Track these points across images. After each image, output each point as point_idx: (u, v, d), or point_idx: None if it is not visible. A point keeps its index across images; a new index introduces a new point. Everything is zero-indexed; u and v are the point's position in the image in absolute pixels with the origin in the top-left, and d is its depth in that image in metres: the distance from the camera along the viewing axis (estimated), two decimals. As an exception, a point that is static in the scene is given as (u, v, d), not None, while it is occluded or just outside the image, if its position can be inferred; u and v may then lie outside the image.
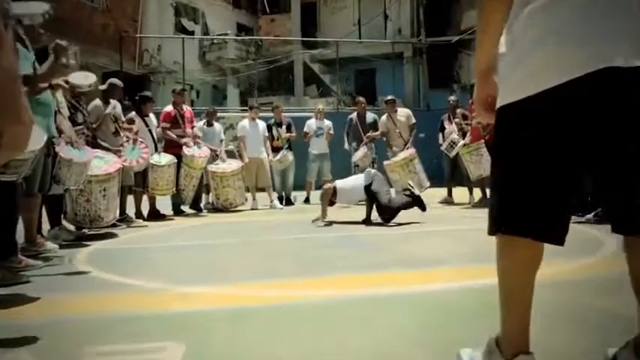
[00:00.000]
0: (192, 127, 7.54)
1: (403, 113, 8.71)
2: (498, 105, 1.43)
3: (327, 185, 6.24)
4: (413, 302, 2.51)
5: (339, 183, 6.12)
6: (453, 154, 7.96)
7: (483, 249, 2.25)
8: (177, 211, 7.36)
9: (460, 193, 8.48)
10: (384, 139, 8.85)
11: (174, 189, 6.90)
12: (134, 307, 2.52)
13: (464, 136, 8.10)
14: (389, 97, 8.93)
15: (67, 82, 4.35)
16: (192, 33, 18.01)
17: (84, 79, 4.69)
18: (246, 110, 15.27)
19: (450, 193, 8.54)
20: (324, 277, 3.12)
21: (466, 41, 16.78)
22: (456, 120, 8.28)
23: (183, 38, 15.07)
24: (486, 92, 1.54)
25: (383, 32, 18.64)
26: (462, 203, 8.01)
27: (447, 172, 8.55)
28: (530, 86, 1.31)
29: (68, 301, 2.70)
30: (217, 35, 18.31)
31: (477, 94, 1.58)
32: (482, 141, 7.28)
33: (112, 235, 5.17)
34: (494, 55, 1.46)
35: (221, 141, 8.49)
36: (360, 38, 18.23)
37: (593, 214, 5.28)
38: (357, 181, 6.04)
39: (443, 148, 8.06)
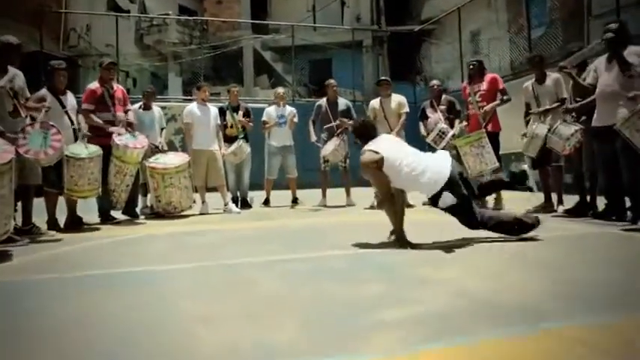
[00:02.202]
0: (126, 111, 5.93)
1: (396, 99, 7.39)
2: None
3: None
4: None
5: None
6: (441, 146, 6.74)
7: None
8: (106, 218, 5.74)
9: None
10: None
11: (101, 189, 5.28)
12: None
13: (451, 125, 6.93)
14: (382, 78, 7.61)
15: None
16: (127, 12, 15.99)
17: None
18: (190, 100, 13.68)
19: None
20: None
21: (429, 31, 15.82)
22: (442, 107, 7.09)
23: (116, 17, 13.12)
24: None
25: (339, 20, 17.42)
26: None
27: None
28: None
29: None
30: (157, 15, 16.36)
31: None
32: (484, 131, 6.11)
33: (2, 257, 3.55)
34: None
35: (162, 129, 6.90)
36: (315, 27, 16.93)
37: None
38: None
39: (429, 139, 6.84)
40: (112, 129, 5.54)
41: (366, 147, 3.77)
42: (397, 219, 3.61)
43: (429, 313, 2.00)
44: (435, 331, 1.81)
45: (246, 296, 2.34)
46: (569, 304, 2.08)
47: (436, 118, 6.96)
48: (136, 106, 6.68)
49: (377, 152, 3.64)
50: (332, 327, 1.88)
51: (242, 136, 7.42)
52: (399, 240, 3.56)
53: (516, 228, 3.67)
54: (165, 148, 6.71)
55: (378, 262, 3.06)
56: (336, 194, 7.84)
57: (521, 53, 11.36)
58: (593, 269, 2.74)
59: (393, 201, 3.67)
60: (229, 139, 7.14)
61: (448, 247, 3.51)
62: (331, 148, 7.16)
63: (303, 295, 2.33)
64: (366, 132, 3.99)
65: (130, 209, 6.08)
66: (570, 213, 5.36)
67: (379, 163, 3.60)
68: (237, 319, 2.01)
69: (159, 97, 11.24)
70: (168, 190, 6.13)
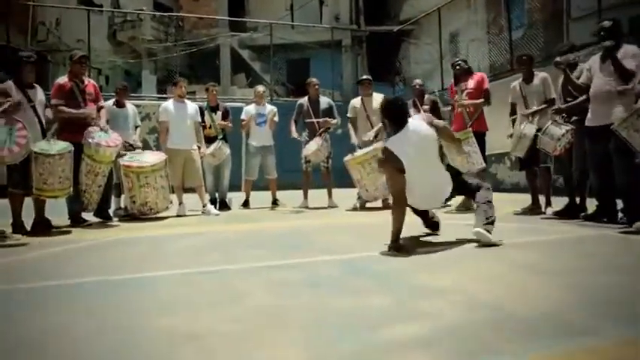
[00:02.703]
0: (99, 108, 5.60)
1: (378, 98, 7.22)
2: None
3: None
4: None
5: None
6: (426, 146, 6.59)
7: None
8: (77, 220, 5.40)
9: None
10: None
11: (72, 189, 4.95)
12: None
13: (435, 126, 6.78)
14: (364, 77, 7.42)
15: None
16: (99, 7, 15.44)
17: None
18: (164, 98, 13.29)
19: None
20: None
21: (408, 32, 15.75)
22: (425, 107, 6.94)
23: (88, 11, 12.65)
24: None
25: (318, 19, 17.22)
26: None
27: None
28: None
29: None
30: (131, 10, 15.84)
31: None
32: (471, 130, 5.98)
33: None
34: None
35: (136, 127, 6.58)
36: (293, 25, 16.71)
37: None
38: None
39: (414, 139, 6.67)
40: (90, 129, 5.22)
41: (391, 146, 3.44)
42: (399, 224, 3.38)
43: (447, 328, 1.80)
44: (462, 350, 1.60)
45: (234, 309, 2.10)
46: (594, 315, 1.90)
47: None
48: (109, 102, 6.35)
49: (399, 159, 3.38)
50: (336, 346, 1.66)
51: (221, 136, 7.16)
52: (394, 245, 3.36)
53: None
54: (140, 146, 6.40)
55: (373, 269, 2.85)
56: (317, 195, 7.63)
57: (501, 54, 11.34)
58: (605, 274, 2.59)
59: (403, 204, 3.46)
60: (208, 140, 6.87)
61: (442, 251, 3.33)
62: (314, 148, 6.95)
63: (298, 307, 2.11)
64: (395, 114, 3.56)
65: (102, 211, 5.75)
66: (560, 215, 5.26)
67: (396, 162, 3.40)
68: (225, 337, 1.77)
69: (132, 95, 10.84)
70: (143, 191, 5.81)
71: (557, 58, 4.82)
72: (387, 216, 5.31)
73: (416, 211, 3.91)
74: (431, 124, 3.52)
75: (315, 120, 7.14)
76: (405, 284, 2.48)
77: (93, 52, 12.38)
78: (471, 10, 14.01)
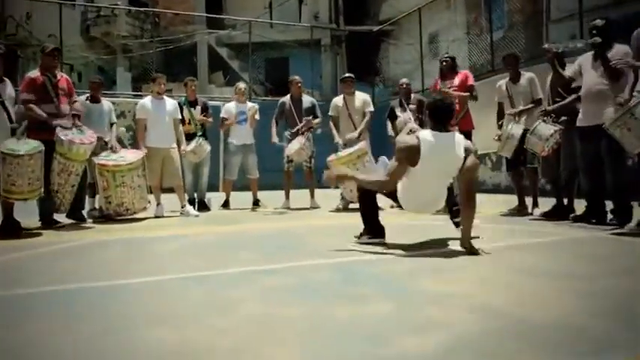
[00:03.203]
0: (72, 103, 5.33)
1: (361, 97, 7.11)
2: None
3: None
4: None
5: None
6: (412, 146, 6.49)
7: None
8: (48, 222, 5.13)
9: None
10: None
11: (43, 189, 4.68)
12: None
13: (421, 125, 6.69)
14: (347, 75, 7.28)
15: None
16: (72, 0, 14.92)
17: None
18: (140, 96, 12.94)
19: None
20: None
21: (388, 32, 15.70)
22: (411, 106, 6.85)
23: (60, 5, 12.22)
24: None
25: (297, 18, 17.05)
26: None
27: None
28: None
29: None
30: (105, 5, 15.38)
31: None
32: (457, 129, 5.87)
33: None
34: None
35: (112, 124, 6.30)
36: (272, 24, 16.50)
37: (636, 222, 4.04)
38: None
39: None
40: (56, 122, 4.94)
41: (422, 142, 3.21)
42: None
43: (462, 338, 1.66)
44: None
45: (225, 319, 1.92)
46: (613, 323, 1.79)
47: (405, 117, 6.70)
48: (83, 98, 6.06)
49: (417, 158, 3.21)
50: (345, 362, 1.50)
51: (201, 133, 6.94)
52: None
53: None
54: (116, 144, 6.13)
55: (369, 273, 2.70)
56: (298, 196, 7.46)
57: (482, 55, 11.34)
58: (614, 278, 2.49)
59: (388, 188, 3.42)
60: (187, 137, 6.63)
61: (437, 254, 3.21)
62: (296, 147, 6.78)
63: (294, 317, 1.94)
64: (440, 116, 3.34)
65: (75, 212, 5.48)
66: (548, 216, 5.20)
67: (413, 155, 3.21)
68: (216, 352, 1.60)
69: (107, 92, 10.50)
70: (119, 190, 5.55)
71: (546, 45, 4.75)
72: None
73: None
74: (469, 152, 3.27)
75: (298, 127, 6.96)
76: (405, 289, 2.34)
77: (65, 47, 11.95)
78: (450, 10, 14.02)
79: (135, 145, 6.94)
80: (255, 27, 14.51)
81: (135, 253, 3.56)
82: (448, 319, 1.87)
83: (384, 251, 3.37)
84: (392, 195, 3.53)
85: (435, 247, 3.48)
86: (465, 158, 3.22)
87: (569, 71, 4.75)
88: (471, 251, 3.13)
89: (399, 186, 3.39)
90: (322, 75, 15.91)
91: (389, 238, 3.76)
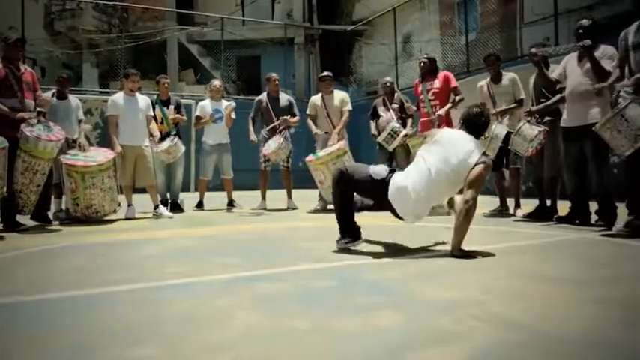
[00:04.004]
0: (37, 98, 5.02)
1: (339, 96, 6.96)
2: None
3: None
4: None
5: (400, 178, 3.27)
6: (393, 146, 6.41)
7: None
8: (10, 224, 4.81)
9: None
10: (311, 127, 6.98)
11: (6, 189, 4.36)
12: None
13: (404, 125, 6.61)
14: (325, 73, 7.11)
15: None
16: (35, -8, 14.33)
17: None
18: (107, 93, 12.49)
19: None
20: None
21: (362, 32, 15.64)
22: (394, 106, 6.75)
23: (22, -4, 11.69)
24: None
25: (270, 16, 16.82)
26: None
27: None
28: None
29: None
30: (70, -1, 14.84)
31: None
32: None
33: None
34: None
35: (79, 122, 5.99)
36: (243, 21, 16.22)
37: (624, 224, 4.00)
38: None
39: (380, 139, 6.47)
40: (19, 116, 4.63)
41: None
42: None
43: (484, 352, 1.51)
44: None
45: (219, 333, 1.73)
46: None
47: (388, 117, 6.61)
48: (49, 93, 5.73)
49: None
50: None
51: (174, 132, 6.67)
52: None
53: None
54: (85, 143, 5.82)
55: (369, 280, 2.54)
56: (274, 196, 7.27)
57: (457, 56, 11.37)
58: (623, 284, 2.40)
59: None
60: (160, 136, 6.34)
61: (432, 258, 3.08)
62: (274, 147, 6.60)
63: (298, 330, 1.76)
64: (476, 129, 3.32)
65: (40, 214, 5.17)
66: (531, 217, 5.17)
67: None
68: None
69: (72, 89, 10.04)
70: (88, 192, 5.26)
71: (533, 49, 4.71)
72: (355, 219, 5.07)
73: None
74: (484, 157, 3.16)
75: (275, 123, 6.76)
76: (409, 296, 2.19)
77: (28, 41, 11.41)
78: (424, 12, 14.05)
79: (102, 144, 6.62)
80: (226, 24, 14.22)
81: (108, 259, 3.31)
82: (463, 329, 1.72)
83: (374, 253, 3.23)
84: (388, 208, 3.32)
85: (423, 250, 3.35)
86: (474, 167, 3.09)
87: (555, 73, 4.71)
88: (464, 256, 3.01)
89: (401, 196, 3.19)
90: (295, 74, 15.71)
91: (375, 240, 3.63)
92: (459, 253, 3.03)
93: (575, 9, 9.85)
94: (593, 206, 4.53)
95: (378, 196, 3.27)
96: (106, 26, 15.09)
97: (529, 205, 5.46)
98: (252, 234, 4.51)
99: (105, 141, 8.51)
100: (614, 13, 8.87)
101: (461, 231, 3.04)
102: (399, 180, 3.18)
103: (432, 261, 2.99)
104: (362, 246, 3.39)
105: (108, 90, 12.56)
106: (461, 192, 3.21)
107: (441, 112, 5.95)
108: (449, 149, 3.17)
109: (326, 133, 6.75)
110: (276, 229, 4.91)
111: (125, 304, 2.16)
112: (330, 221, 5.46)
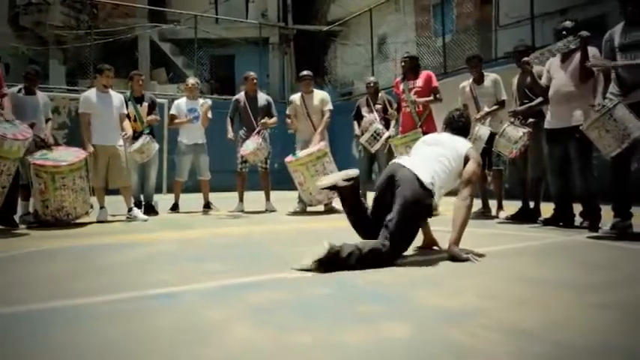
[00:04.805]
0: (2, 95, 4.74)
1: (319, 96, 6.84)
2: None
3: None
4: None
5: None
6: (375, 147, 6.31)
7: None
8: (-27, 229, 4.52)
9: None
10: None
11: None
12: None
13: (387, 126, 6.52)
14: (305, 73, 6.97)
15: None
16: (-2, -14, 13.75)
17: None
18: (76, 91, 12.06)
19: (364, 196, 6.91)
20: None
21: (337, 32, 15.58)
22: (377, 106, 6.66)
23: (-15, -10, 11.22)
24: None
25: (244, 15, 16.60)
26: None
27: (363, 171, 6.90)
28: None
29: None
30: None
31: None
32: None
33: None
34: None
35: (48, 120, 5.71)
36: (217, 19, 15.96)
37: (610, 225, 3.99)
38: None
39: (363, 140, 6.37)
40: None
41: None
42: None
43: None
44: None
45: (213, 352, 1.58)
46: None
47: (371, 117, 6.51)
48: (15, 89, 5.44)
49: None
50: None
51: (148, 131, 6.43)
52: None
53: None
54: (52, 141, 5.55)
55: (364, 286, 2.42)
56: (251, 198, 7.10)
57: (434, 58, 11.38)
58: (622, 289, 2.34)
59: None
60: (133, 135, 6.09)
61: (422, 262, 2.98)
62: (252, 148, 6.42)
63: (302, 344, 1.62)
64: (458, 130, 3.49)
65: (6, 217, 4.88)
66: (514, 219, 5.14)
67: None
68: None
69: (41, 86, 9.64)
70: (59, 193, 5.01)
71: (525, 58, 4.67)
72: (335, 221, 4.97)
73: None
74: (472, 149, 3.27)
75: (256, 130, 6.58)
76: (414, 305, 2.07)
77: (-9, 36, 10.98)
78: (399, 13, 14.07)
79: (71, 144, 6.34)
80: (200, 23, 13.95)
81: (83, 266, 3.09)
82: (478, 342, 1.61)
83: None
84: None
85: (414, 254, 3.25)
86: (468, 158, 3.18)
87: (543, 80, 4.68)
88: (458, 258, 2.92)
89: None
90: (270, 74, 15.53)
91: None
92: (456, 249, 2.94)
93: (549, 12, 9.99)
94: (577, 208, 4.52)
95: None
96: (74, 22, 14.60)
97: (511, 206, 5.44)
98: (235, 238, 4.33)
99: (73, 141, 8.18)
100: (587, 17, 9.00)
101: (462, 227, 3.01)
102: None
103: (425, 265, 2.89)
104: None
105: (76, 88, 12.14)
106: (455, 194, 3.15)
107: (421, 100, 5.88)
108: (437, 146, 3.25)
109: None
110: (259, 232, 4.75)
111: (103, 317, 1.98)
112: (312, 224, 5.36)
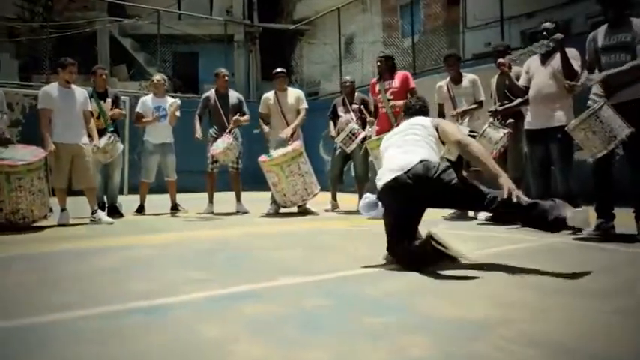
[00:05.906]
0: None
1: (294, 93, 6.65)
2: None
3: None
4: None
5: None
6: (351, 148, 6.18)
7: None
8: None
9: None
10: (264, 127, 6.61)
11: None
12: None
13: (364, 126, 6.39)
14: (278, 70, 6.75)
15: None
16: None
17: None
18: (29, 87, 11.47)
19: (335, 197, 6.79)
20: None
21: (303, 31, 15.41)
22: (354, 106, 6.53)
23: None
24: None
25: (208, 11, 16.22)
26: (352, 211, 6.30)
27: (334, 171, 6.77)
28: None
29: None
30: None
31: None
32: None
33: None
34: None
35: (3, 115, 5.31)
36: (180, 15, 15.53)
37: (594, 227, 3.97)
38: None
39: (339, 140, 6.22)
40: None
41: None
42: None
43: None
44: None
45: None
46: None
47: (348, 117, 6.36)
48: (-33, 83, 5.03)
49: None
50: None
51: (112, 129, 6.09)
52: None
53: None
54: (8, 136, 5.17)
55: (365, 295, 2.26)
56: (220, 199, 6.85)
57: (403, 58, 11.36)
58: (633, 293, 2.27)
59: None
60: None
61: (421, 269, 2.84)
62: (222, 147, 6.18)
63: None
64: (417, 110, 3.46)
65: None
66: (494, 220, 5.09)
67: None
68: None
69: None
70: (14, 195, 4.66)
71: (501, 59, 4.62)
72: (311, 223, 4.79)
73: None
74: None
75: (229, 128, 6.33)
76: (427, 316, 1.92)
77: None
78: (367, 13, 14.03)
79: (24, 142, 5.94)
80: (162, 18, 13.51)
81: (50, 275, 2.81)
82: (506, 356, 1.48)
83: (364, 264, 2.94)
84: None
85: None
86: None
87: (521, 80, 4.65)
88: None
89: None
90: (235, 73, 15.22)
91: (355, 248, 3.36)
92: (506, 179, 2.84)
93: (515, 15, 10.13)
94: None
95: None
96: (28, 14, 13.89)
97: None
98: (213, 242, 4.09)
99: (27, 139, 7.71)
100: (553, 21, 9.17)
101: (491, 160, 3.08)
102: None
103: (420, 272, 2.75)
104: (339, 253, 3.10)
105: (31, 83, 11.55)
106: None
107: (399, 102, 5.78)
108: (405, 134, 3.19)
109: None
110: (236, 235, 4.52)
111: (79, 336, 1.73)
112: (288, 226, 5.18)
